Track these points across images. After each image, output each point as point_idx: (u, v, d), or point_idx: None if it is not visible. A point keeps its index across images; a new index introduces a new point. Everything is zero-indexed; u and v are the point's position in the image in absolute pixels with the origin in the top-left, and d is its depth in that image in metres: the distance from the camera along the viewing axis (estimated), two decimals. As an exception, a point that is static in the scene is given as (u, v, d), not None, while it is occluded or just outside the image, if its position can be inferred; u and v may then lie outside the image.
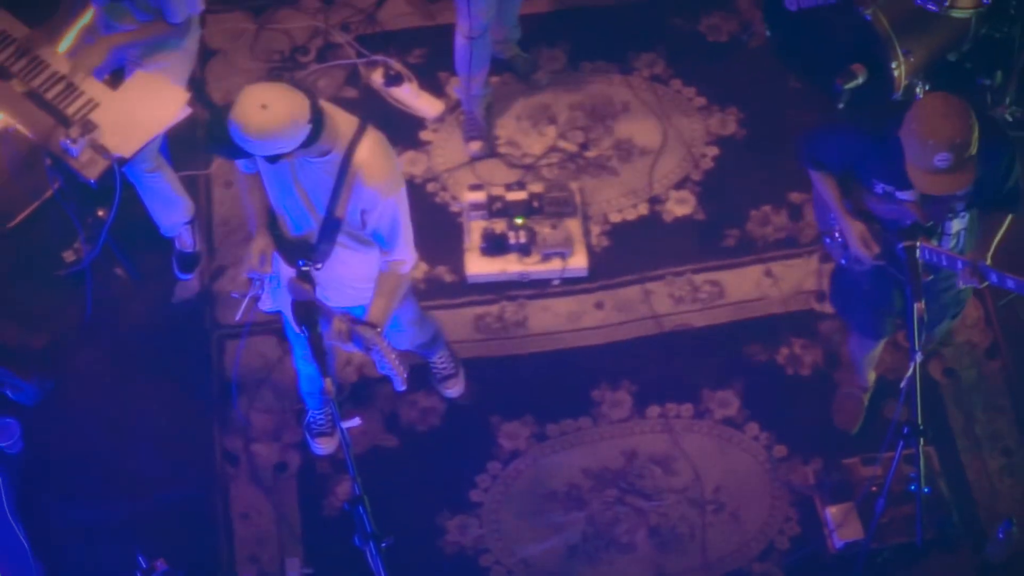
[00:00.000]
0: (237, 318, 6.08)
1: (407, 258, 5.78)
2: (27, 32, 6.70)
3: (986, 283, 5.74)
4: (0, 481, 6.62)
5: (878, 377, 6.92)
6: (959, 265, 5.74)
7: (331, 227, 5.63)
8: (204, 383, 7.06)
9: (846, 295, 6.62)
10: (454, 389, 7.05)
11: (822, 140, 6.01)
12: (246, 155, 5.33)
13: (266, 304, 6.09)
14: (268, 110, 5.12)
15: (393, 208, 5.58)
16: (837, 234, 6.21)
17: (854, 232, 5.98)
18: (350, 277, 5.90)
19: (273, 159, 5.28)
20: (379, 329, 5.67)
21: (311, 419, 6.74)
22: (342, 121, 5.42)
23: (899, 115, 5.55)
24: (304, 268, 5.77)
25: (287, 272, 5.87)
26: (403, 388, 5.61)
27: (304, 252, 5.76)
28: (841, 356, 7.02)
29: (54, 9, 6.80)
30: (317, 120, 5.25)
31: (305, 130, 5.20)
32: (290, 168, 5.50)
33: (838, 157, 5.91)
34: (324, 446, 6.82)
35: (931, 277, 5.73)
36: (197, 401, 7.04)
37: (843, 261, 6.30)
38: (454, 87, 7.64)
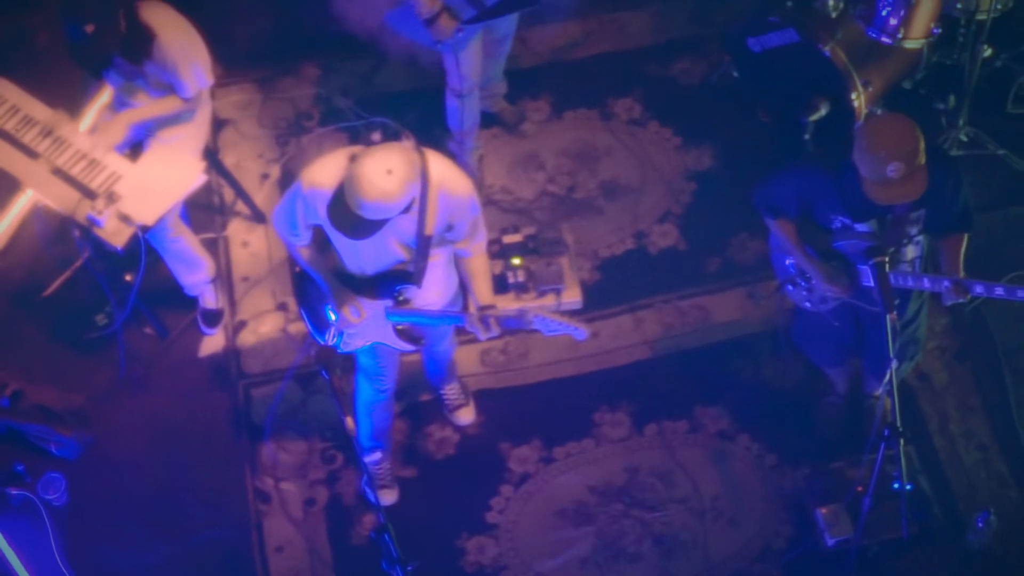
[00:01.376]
0: (295, 362, 6.11)
1: (485, 237, 5.86)
2: (50, 113, 6.69)
3: (969, 297, 5.72)
4: (51, 531, 6.61)
5: (852, 386, 6.92)
6: (945, 284, 5.72)
7: (424, 246, 5.64)
8: (234, 429, 7.04)
9: (811, 335, 6.66)
10: (466, 417, 7.05)
11: (778, 187, 6.01)
12: (373, 230, 5.33)
13: (350, 346, 6.12)
14: (394, 175, 5.16)
15: (473, 203, 5.67)
16: (800, 280, 6.23)
17: (822, 272, 5.98)
18: (440, 278, 5.96)
19: None
20: (497, 307, 5.75)
21: (374, 473, 6.66)
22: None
23: (849, 148, 5.59)
24: (400, 293, 5.82)
25: (374, 308, 5.90)
26: (586, 335, 5.61)
27: (393, 282, 5.79)
28: (818, 369, 7.00)
29: (73, 90, 6.85)
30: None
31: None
32: None
33: (795, 200, 5.91)
34: (388, 498, 6.78)
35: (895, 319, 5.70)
36: (228, 446, 7.01)
37: (807, 305, 6.31)
38: (448, 142, 7.69)
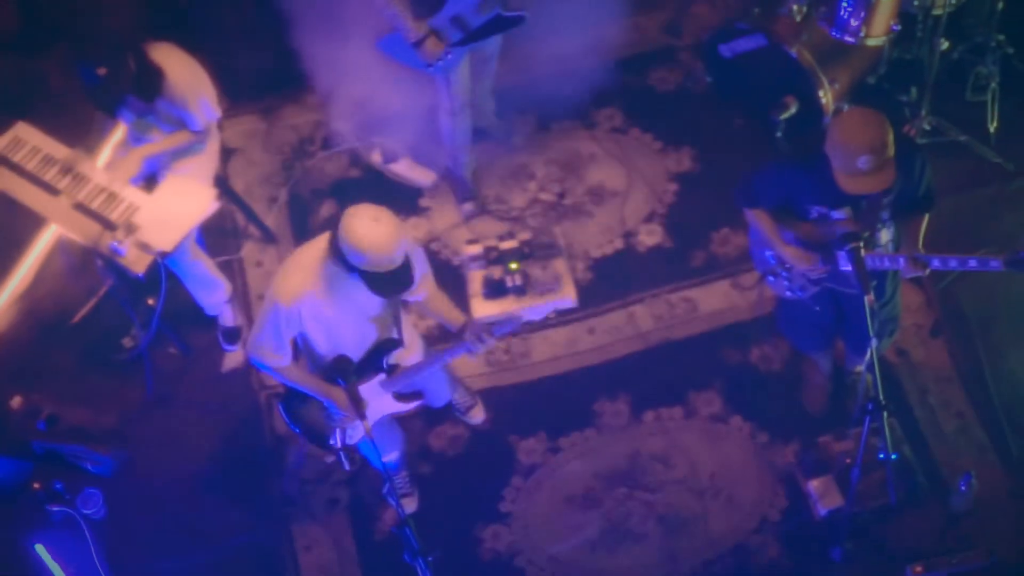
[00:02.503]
0: (347, 468, 6.12)
1: (429, 269, 5.84)
2: (68, 152, 6.69)
3: (927, 270, 5.75)
4: (91, 544, 6.57)
5: (835, 365, 6.93)
6: (901, 262, 5.76)
7: (401, 307, 5.73)
8: (258, 438, 7.06)
9: (795, 321, 6.67)
10: (477, 417, 7.06)
11: (757, 182, 6.00)
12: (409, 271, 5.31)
13: (353, 437, 6.08)
14: (382, 219, 5.19)
15: (420, 251, 5.68)
16: (780, 270, 6.24)
17: (798, 259, 6.00)
18: (409, 330, 5.98)
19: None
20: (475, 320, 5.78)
21: (397, 484, 6.62)
22: None
23: (821, 141, 5.60)
24: (388, 364, 5.83)
25: (369, 389, 5.87)
26: (572, 300, 5.58)
27: (379, 356, 5.78)
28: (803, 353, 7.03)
29: (88, 129, 6.86)
30: None
31: None
32: (368, 294, 5.46)
33: (774, 193, 5.92)
34: (410, 506, 6.77)
35: (873, 300, 5.71)
36: (254, 454, 7.03)
37: (789, 293, 6.32)
38: (443, 158, 7.73)
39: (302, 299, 5.42)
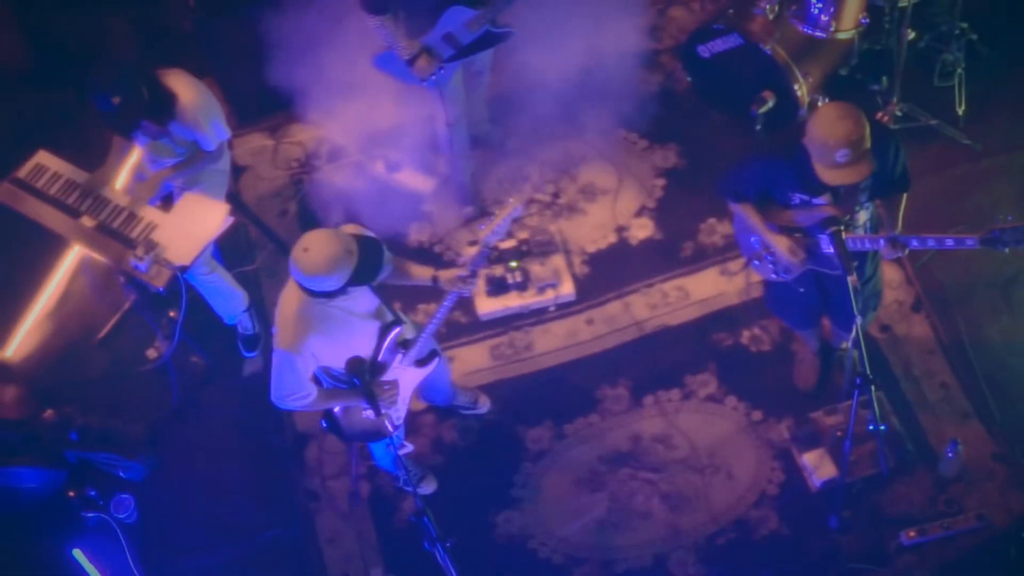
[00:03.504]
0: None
1: None
2: (87, 176, 6.71)
3: (907, 250, 5.76)
4: (126, 547, 6.64)
5: (823, 343, 6.93)
6: (881, 243, 5.77)
7: (383, 294, 5.79)
8: (279, 438, 7.06)
9: (782, 302, 6.67)
10: (483, 407, 7.07)
11: (740, 174, 6.01)
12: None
13: (401, 417, 6.15)
14: (310, 252, 5.27)
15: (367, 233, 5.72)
16: (765, 255, 6.23)
17: (781, 245, 5.99)
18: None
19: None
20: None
21: (403, 478, 6.57)
22: None
23: (799, 132, 5.60)
24: (400, 342, 5.89)
25: (394, 373, 5.93)
26: (521, 208, 5.70)
27: (390, 343, 5.85)
28: (792, 330, 7.01)
29: (106, 153, 6.87)
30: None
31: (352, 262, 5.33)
32: (344, 307, 5.59)
33: (757, 184, 5.92)
34: (428, 486, 6.80)
35: (856, 280, 5.72)
36: (276, 454, 7.04)
37: (774, 276, 6.31)
38: (443, 164, 7.73)
39: (307, 341, 5.54)
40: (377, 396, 5.76)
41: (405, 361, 5.96)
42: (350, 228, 5.67)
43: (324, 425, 6.13)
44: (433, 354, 6.12)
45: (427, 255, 7.47)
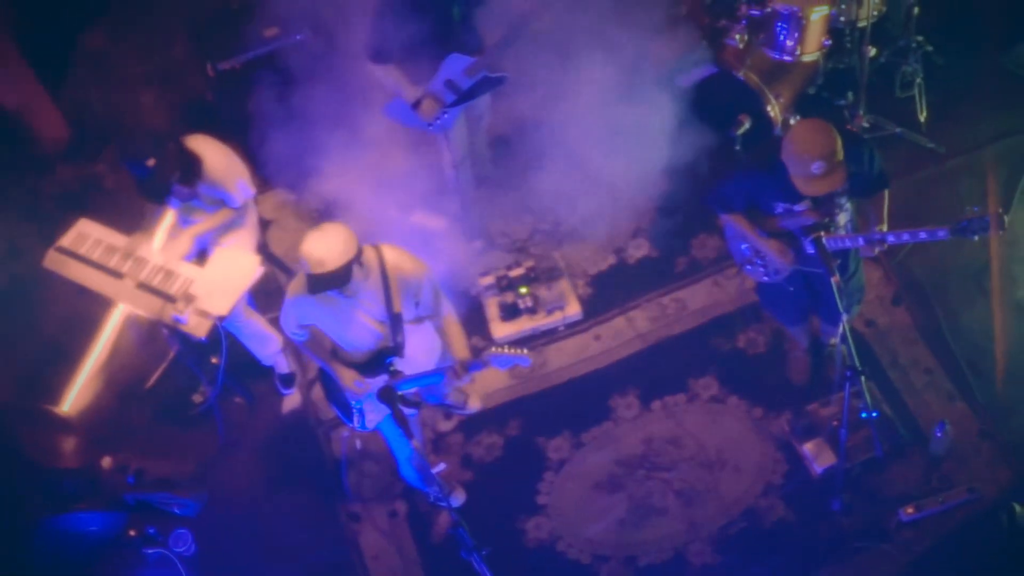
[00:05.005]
0: (346, 449, 6.26)
1: (450, 306, 5.95)
2: (126, 239, 6.72)
3: (885, 245, 5.80)
4: (188, 577, 6.68)
5: (813, 339, 6.93)
6: (860, 241, 5.81)
7: (396, 322, 5.73)
8: (320, 466, 7.05)
9: (775, 301, 6.69)
10: (473, 407, 7.11)
11: (726, 189, 6.04)
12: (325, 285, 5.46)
13: (371, 422, 6.14)
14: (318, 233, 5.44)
15: (429, 280, 5.75)
16: (756, 259, 6.26)
17: (772, 248, 6.03)
18: (421, 349, 6.00)
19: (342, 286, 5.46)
20: (471, 357, 5.84)
21: (434, 495, 6.65)
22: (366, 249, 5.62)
23: (777, 148, 5.65)
24: (391, 366, 5.86)
25: (376, 383, 5.93)
26: (530, 362, 5.69)
27: (382, 358, 5.85)
28: (784, 331, 7.03)
29: (141, 217, 6.89)
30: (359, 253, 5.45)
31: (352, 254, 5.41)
32: (349, 303, 5.64)
33: (742, 197, 5.96)
34: (458, 498, 6.80)
35: (838, 279, 5.77)
36: (319, 481, 7.01)
37: (766, 278, 6.34)
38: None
39: (295, 299, 5.75)
40: (341, 377, 5.93)
41: (394, 385, 5.94)
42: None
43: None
44: (416, 405, 6.26)
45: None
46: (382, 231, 7.65)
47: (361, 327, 5.80)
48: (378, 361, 5.88)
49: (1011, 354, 6.88)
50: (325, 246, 5.42)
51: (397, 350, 5.85)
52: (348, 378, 5.94)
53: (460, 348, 5.94)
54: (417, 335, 5.92)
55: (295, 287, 5.78)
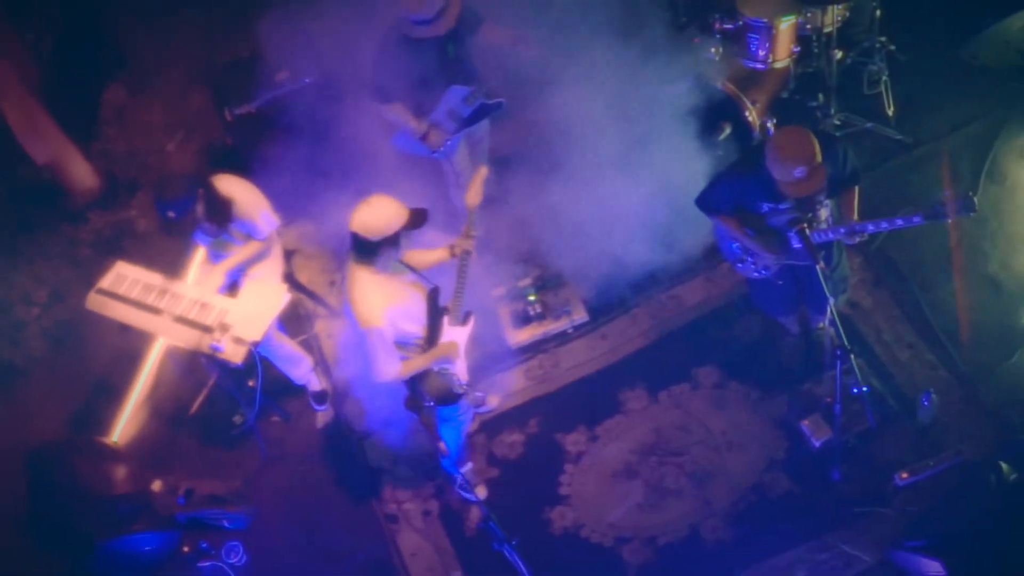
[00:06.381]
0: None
1: None
2: (162, 278, 6.76)
3: (865, 235, 5.84)
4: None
5: (803, 325, 6.96)
6: (841, 232, 5.86)
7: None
8: (358, 473, 7.07)
9: (765, 295, 6.70)
10: (492, 403, 7.15)
11: (714, 193, 6.09)
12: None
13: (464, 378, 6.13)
14: (371, 205, 5.52)
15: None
16: (747, 257, 6.29)
17: (760, 243, 6.08)
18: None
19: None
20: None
21: (469, 479, 6.41)
22: None
23: (758, 153, 5.69)
24: (443, 305, 6.04)
25: (452, 334, 6.01)
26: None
27: (436, 304, 5.97)
28: (776, 319, 7.04)
29: (174, 255, 6.99)
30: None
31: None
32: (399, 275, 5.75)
33: (730, 200, 6.01)
34: (480, 494, 6.79)
35: (824, 267, 5.83)
36: (357, 487, 7.04)
37: (756, 274, 6.38)
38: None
39: (383, 311, 5.63)
40: (443, 352, 5.88)
41: (451, 322, 6.00)
42: None
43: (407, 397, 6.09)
44: (469, 315, 6.14)
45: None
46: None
47: (412, 290, 5.86)
48: (435, 312, 5.93)
49: (986, 323, 6.92)
50: (382, 210, 5.53)
51: (437, 289, 5.93)
52: (446, 350, 5.92)
53: (440, 251, 6.15)
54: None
55: (375, 305, 5.64)
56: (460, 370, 6.08)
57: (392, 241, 5.58)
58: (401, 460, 7.06)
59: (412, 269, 5.90)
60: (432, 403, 6.01)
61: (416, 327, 5.88)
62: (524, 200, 7.72)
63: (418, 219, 5.64)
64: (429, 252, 6.13)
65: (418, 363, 5.89)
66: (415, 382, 5.97)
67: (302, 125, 7.78)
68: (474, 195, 6.02)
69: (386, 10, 6.70)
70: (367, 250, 5.57)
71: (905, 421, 6.71)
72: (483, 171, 6.07)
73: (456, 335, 6.04)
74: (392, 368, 5.75)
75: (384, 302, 5.63)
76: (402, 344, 5.86)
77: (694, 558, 6.55)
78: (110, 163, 8.58)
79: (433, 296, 5.93)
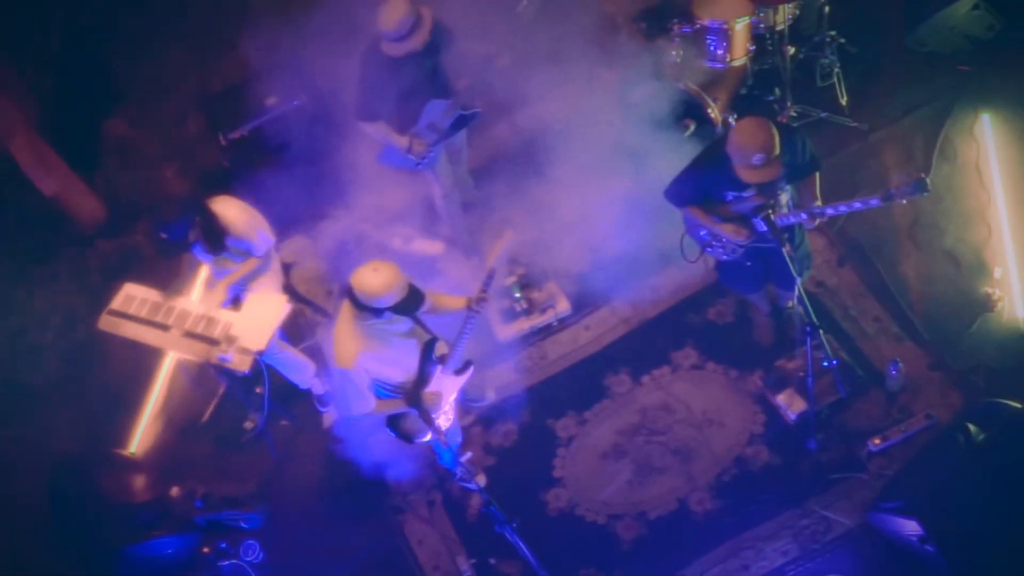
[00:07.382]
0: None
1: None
2: (168, 296, 6.76)
3: (824, 218, 5.87)
4: (258, 584, 6.71)
5: (772, 304, 6.99)
6: (803, 216, 5.90)
7: (421, 320, 5.88)
8: (364, 470, 6.97)
9: (732, 276, 6.71)
10: (489, 398, 7.16)
11: (681, 185, 6.12)
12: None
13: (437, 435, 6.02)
14: (380, 271, 5.42)
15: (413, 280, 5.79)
16: (714, 242, 6.30)
17: (727, 230, 6.09)
18: (442, 323, 6.12)
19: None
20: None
21: (467, 469, 6.43)
22: None
23: (721, 145, 5.72)
24: (436, 355, 5.98)
25: (438, 384, 5.99)
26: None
27: (428, 357, 5.92)
28: (747, 300, 7.09)
29: (176, 275, 6.98)
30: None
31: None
32: (390, 329, 5.70)
33: (696, 191, 6.04)
34: (480, 481, 6.80)
35: (790, 250, 5.86)
36: (363, 482, 6.98)
37: (724, 257, 6.38)
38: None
39: (359, 357, 5.60)
40: (423, 402, 5.84)
41: (445, 372, 6.00)
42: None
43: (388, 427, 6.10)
44: (468, 364, 6.16)
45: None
46: (388, 260, 7.78)
47: (406, 341, 5.83)
48: (426, 363, 5.91)
49: (946, 293, 6.95)
50: (391, 275, 5.47)
51: (434, 340, 5.91)
52: (426, 400, 5.91)
53: (458, 301, 6.02)
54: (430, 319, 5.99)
55: (350, 349, 5.62)
56: (443, 419, 6.10)
57: (376, 312, 5.52)
58: (404, 455, 7.02)
59: (414, 319, 5.84)
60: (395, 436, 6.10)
61: (399, 374, 5.86)
62: (505, 203, 7.72)
63: (412, 303, 5.58)
64: (448, 297, 6.06)
65: (390, 407, 5.92)
66: (389, 417, 6.05)
67: (293, 145, 7.79)
68: (494, 256, 5.99)
69: (367, 32, 6.70)
70: (357, 303, 5.56)
71: (875, 391, 6.73)
72: (508, 235, 6.00)
73: (448, 384, 6.06)
74: (362, 405, 5.77)
75: (360, 347, 5.61)
76: (382, 386, 5.87)
77: (684, 530, 6.57)
78: (114, 192, 8.58)
79: (428, 347, 5.93)
